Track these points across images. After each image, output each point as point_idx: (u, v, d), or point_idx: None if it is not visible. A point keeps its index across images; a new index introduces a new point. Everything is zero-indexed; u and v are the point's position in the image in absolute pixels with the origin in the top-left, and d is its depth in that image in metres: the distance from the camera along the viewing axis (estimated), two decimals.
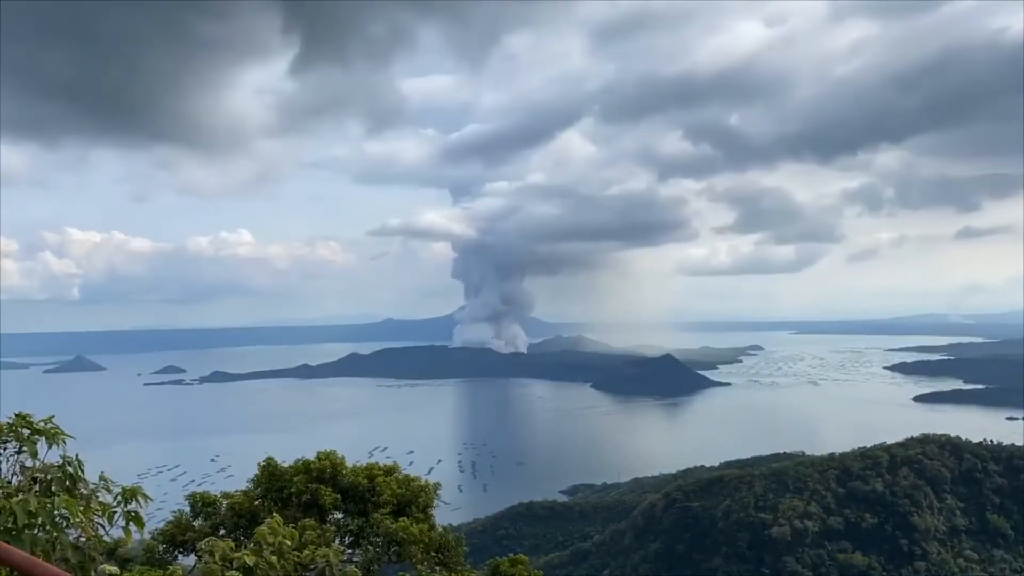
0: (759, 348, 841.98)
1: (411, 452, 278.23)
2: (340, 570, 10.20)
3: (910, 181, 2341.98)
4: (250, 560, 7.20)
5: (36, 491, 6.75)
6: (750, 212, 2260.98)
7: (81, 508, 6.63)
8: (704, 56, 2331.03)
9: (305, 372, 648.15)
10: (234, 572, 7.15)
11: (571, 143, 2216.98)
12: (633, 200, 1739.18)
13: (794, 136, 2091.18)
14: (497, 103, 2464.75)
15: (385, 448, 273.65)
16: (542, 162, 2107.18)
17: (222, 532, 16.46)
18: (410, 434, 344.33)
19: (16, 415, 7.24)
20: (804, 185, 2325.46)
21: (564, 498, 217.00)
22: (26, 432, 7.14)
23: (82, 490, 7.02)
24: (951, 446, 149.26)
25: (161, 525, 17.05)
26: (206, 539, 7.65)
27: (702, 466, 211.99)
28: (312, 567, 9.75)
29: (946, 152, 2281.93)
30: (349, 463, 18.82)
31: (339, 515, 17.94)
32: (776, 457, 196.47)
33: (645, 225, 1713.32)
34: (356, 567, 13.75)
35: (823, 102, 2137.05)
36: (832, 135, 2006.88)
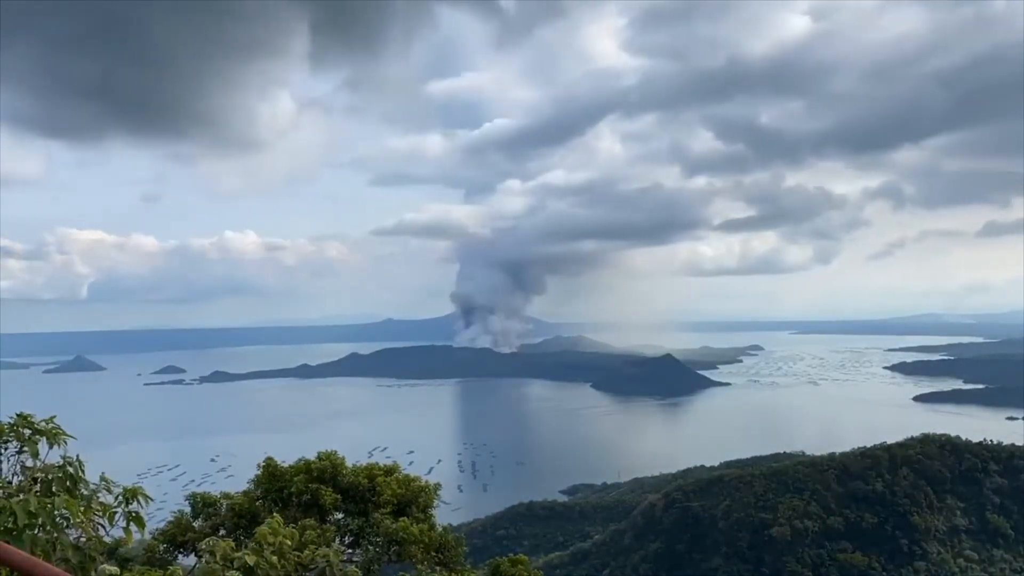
0: (759, 348, 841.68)
1: (411, 452, 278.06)
2: (340, 570, 10.21)
3: (933, 179, 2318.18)
4: (251, 560, 7.20)
5: (37, 491, 6.76)
6: (756, 211, 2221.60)
7: (82, 508, 6.64)
8: (729, 52, 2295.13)
9: (305, 372, 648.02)
10: (235, 572, 7.15)
11: (591, 140, 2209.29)
12: (639, 199, 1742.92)
13: (820, 134, 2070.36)
14: (520, 99, 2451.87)
15: (385, 448, 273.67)
16: (559, 160, 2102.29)
17: (222, 532, 16.46)
18: (410, 434, 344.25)
19: (17, 415, 7.25)
20: (821, 184, 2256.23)
21: (564, 498, 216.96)
22: (27, 432, 7.15)
23: (83, 490, 7.03)
24: (951, 446, 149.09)
25: (161, 525, 17.05)
26: (207, 539, 7.66)
27: (702, 466, 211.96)
28: (312, 567, 9.76)
29: (969, 150, 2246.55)
30: (349, 463, 18.82)
31: (339, 515, 17.95)
32: (776, 457, 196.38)
33: (650, 224, 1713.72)
34: (356, 567, 13.76)
35: (855, 99, 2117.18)
36: (861, 132, 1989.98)
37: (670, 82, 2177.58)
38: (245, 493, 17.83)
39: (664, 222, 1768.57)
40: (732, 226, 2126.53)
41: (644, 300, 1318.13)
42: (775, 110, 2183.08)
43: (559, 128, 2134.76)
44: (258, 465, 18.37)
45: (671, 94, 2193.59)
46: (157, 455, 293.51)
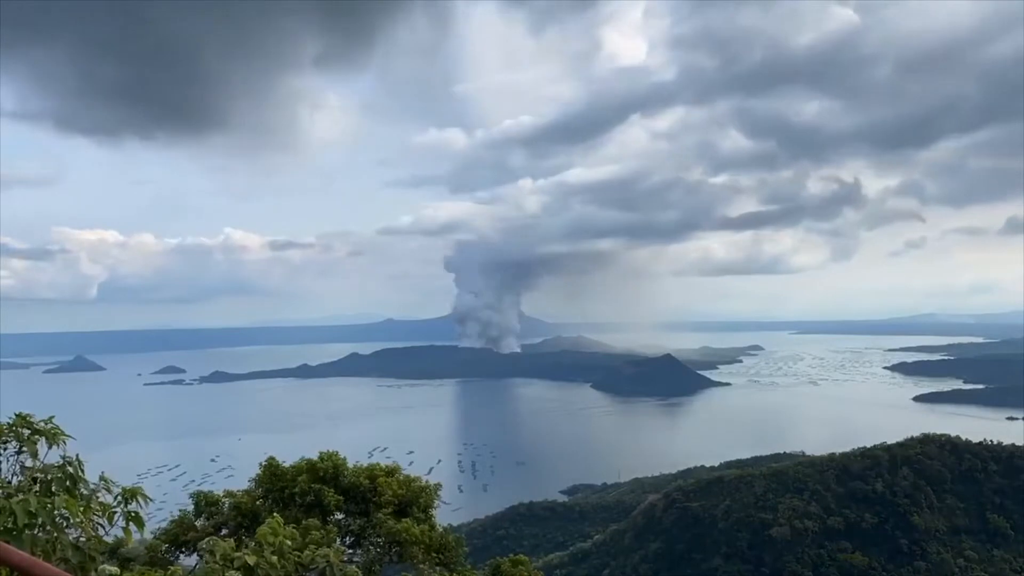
0: (759, 348, 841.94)
1: (411, 452, 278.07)
2: (341, 570, 10.18)
3: (957, 176, 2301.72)
4: (251, 560, 7.18)
5: (36, 491, 6.73)
6: (764, 210, 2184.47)
7: (81, 508, 6.61)
8: (767, 46, 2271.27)
9: (305, 372, 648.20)
10: (235, 572, 7.12)
11: (614, 137, 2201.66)
12: (646, 198, 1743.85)
13: (848, 131, 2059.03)
14: (546, 96, 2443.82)
15: (385, 448, 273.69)
16: (580, 158, 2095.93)
17: (224, 532, 16.42)
18: (410, 434, 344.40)
19: (16, 415, 7.23)
20: (840, 182, 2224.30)
21: (564, 498, 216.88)
22: (26, 432, 7.13)
23: (82, 490, 7.01)
24: (951, 446, 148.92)
25: (162, 525, 17.00)
26: (207, 538, 7.63)
27: (702, 466, 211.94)
28: (313, 567, 9.73)
29: (996, 147, 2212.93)
30: (350, 463, 18.78)
31: (340, 516, 17.91)
32: (776, 457, 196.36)
33: (655, 223, 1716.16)
34: (357, 567, 13.73)
35: (888, 94, 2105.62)
36: (892, 129, 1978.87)
37: (701, 76, 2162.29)
38: (247, 492, 17.78)
39: (670, 221, 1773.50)
40: (734, 224, 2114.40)
41: (644, 300, 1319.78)
42: (806, 106, 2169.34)
43: (579, 126, 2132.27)
44: (260, 465, 18.34)
45: (700, 88, 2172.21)
46: (157, 455, 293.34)
